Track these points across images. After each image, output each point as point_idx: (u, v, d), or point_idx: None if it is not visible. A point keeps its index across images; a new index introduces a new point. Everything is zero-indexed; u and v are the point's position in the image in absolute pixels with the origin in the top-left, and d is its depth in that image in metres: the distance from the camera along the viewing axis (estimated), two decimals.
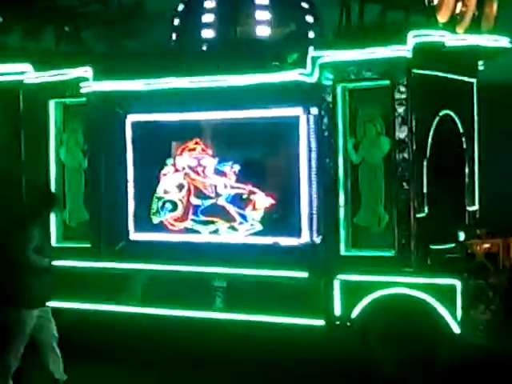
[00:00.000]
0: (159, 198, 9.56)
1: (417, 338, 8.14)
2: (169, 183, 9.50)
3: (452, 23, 8.59)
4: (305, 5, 9.65)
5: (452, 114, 8.94)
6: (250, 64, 8.80)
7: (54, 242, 9.89)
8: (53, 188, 9.87)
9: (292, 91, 8.68)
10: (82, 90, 9.59)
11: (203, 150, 9.35)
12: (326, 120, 8.61)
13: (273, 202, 9.00)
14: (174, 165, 9.48)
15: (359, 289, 8.39)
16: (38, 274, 7.66)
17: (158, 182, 9.55)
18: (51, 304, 7.92)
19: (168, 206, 9.51)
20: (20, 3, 10.82)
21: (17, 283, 7.68)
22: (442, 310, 8.01)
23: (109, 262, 9.58)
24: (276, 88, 8.71)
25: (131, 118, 9.62)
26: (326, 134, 8.61)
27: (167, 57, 9.59)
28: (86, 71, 9.61)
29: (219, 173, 9.25)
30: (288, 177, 8.96)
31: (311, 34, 9.52)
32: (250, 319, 8.80)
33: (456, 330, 8.00)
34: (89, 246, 9.71)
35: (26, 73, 9.94)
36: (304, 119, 8.76)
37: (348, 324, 8.44)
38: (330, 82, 8.53)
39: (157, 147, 9.62)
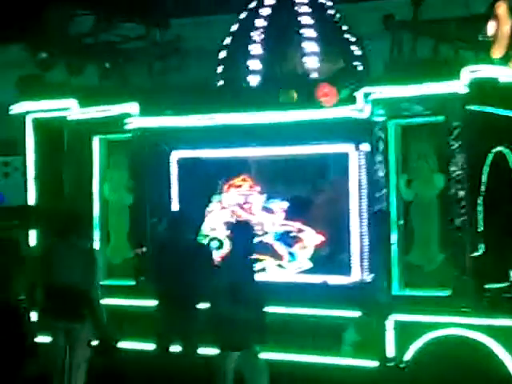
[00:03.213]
0: (205, 236, 9.44)
1: (473, 381, 7.93)
2: (215, 220, 9.37)
3: (505, 59, 8.47)
4: (353, 40, 9.55)
5: (505, 150, 8.79)
6: (300, 100, 8.71)
7: None
8: (97, 225, 9.85)
9: (343, 127, 8.56)
10: (127, 126, 9.53)
11: (251, 186, 9.22)
12: (377, 156, 8.48)
13: (322, 239, 8.85)
14: (221, 202, 9.37)
15: (413, 329, 8.20)
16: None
17: (204, 219, 9.45)
18: None
19: (214, 243, 9.37)
20: (63, 40, 10.80)
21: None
22: (501, 353, 7.79)
23: (154, 300, 9.43)
24: (326, 124, 8.61)
25: (176, 154, 9.52)
26: (378, 170, 8.48)
27: (214, 92, 9.53)
28: (131, 107, 9.56)
29: (267, 210, 9.12)
30: (338, 214, 8.80)
31: (361, 70, 9.41)
32: (299, 359, 8.64)
33: None
34: (133, 283, 9.60)
35: (70, 109, 9.92)
36: (355, 155, 8.62)
37: (402, 366, 8.25)
38: (381, 118, 8.42)
39: (203, 184, 9.50)
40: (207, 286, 8.39)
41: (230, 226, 8.61)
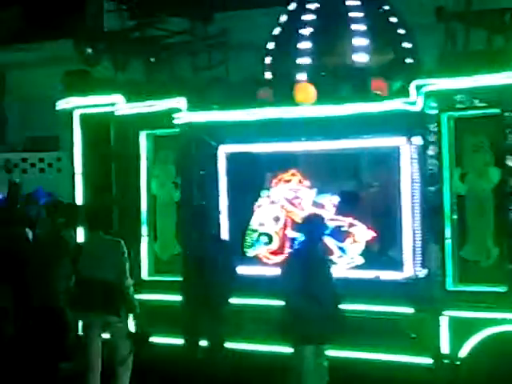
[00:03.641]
0: (254, 231, 9.34)
1: None
2: (264, 215, 9.26)
3: None
4: (404, 31, 9.39)
5: None
6: (351, 93, 8.59)
7: (145, 276, 9.80)
8: (145, 220, 9.82)
9: (394, 120, 8.41)
10: (175, 121, 9.46)
11: (300, 181, 9.11)
12: (429, 150, 8.34)
13: (374, 234, 8.72)
14: (269, 196, 9.26)
15: (468, 326, 8.05)
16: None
17: (252, 214, 9.36)
18: None
19: (263, 238, 9.28)
20: (109, 35, 10.78)
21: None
22: None
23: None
24: (378, 117, 8.46)
25: (224, 149, 9.44)
26: (430, 164, 8.34)
27: (262, 87, 9.42)
28: (178, 102, 9.50)
29: (317, 205, 8.99)
30: (390, 209, 8.66)
31: (412, 62, 9.26)
32: (351, 356, 8.52)
33: None
34: (181, 279, 9.53)
35: (116, 104, 9.88)
36: (407, 149, 8.48)
37: (457, 363, 8.11)
38: (434, 111, 8.28)
39: (251, 178, 9.40)
40: (231, 283, 8.52)
41: (303, 219, 8.42)
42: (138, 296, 9.44)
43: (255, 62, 10.31)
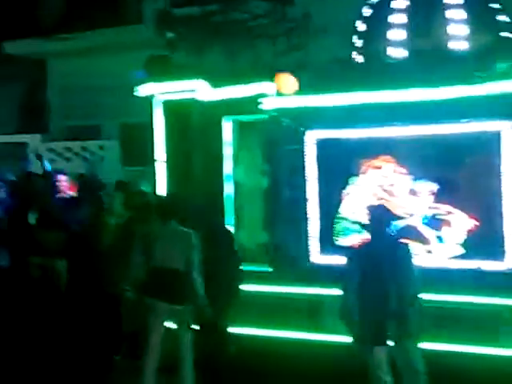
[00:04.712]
0: (343, 219, 9.06)
1: None
2: (355, 203, 8.97)
3: None
4: (500, 9, 8.98)
5: None
6: (449, 76, 8.23)
7: None
8: (231, 208, 9.57)
9: (497, 104, 8.05)
10: (263, 107, 9.18)
11: (393, 167, 8.78)
12: None
13: (474, 222, 8.36)
14: (361, 183, 8.97)
15: None
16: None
17: (341, 201, 9.05)
18: None
19: (355, 227, 8.99)
20: (189, 19, 10.56)
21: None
22: None
23: (290, 287, 9.11)
24: (479, 101, 8.11)
25: (313, 135, 9.15)
26: None
27: (354, 70, 9.11)
28: (266, 87, 9.21)
29: (412, 192, 8.67)
30: (491, 196, 8.29)
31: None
32: (453, 349, 8.20)
33: None
34: (269, 269, 9.29)
35: (200, 90, 9.63)
36: (509, 133, 8.12)
37: None
38: None
39: (340, 165, 9.07)
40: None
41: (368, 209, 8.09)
42: None
43: (336, 45, 9.98)
